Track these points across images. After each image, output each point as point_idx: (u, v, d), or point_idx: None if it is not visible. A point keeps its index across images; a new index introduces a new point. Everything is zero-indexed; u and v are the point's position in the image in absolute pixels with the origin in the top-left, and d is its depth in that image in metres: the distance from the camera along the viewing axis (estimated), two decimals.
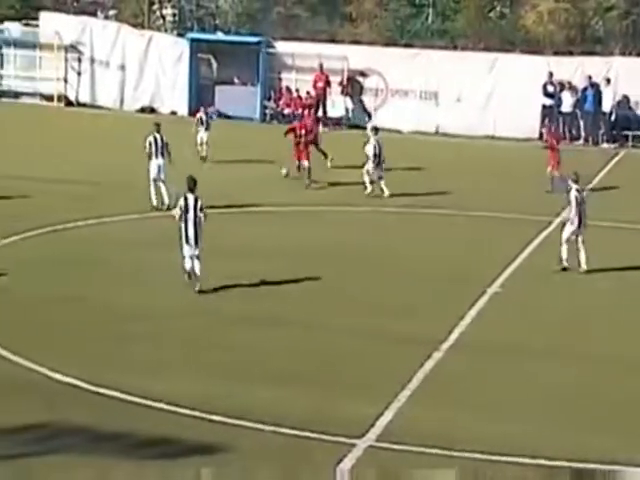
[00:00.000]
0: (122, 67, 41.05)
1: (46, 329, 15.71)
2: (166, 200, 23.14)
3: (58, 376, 13.68)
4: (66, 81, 41.26)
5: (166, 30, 49.49)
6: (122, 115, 39.98)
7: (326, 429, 12.09)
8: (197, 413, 12.57)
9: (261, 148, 32.14)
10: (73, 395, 13.23)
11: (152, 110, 40.13)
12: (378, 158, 26.59)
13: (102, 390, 13.24)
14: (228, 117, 39.20)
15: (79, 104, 41.28)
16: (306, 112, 33.65)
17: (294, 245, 21.11)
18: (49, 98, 40.99)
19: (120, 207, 23.49)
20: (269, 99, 40.03)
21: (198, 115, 30.60)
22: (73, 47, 41.12)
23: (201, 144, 29.82)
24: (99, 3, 51.78)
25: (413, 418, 12.70)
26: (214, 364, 14.43)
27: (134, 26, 43.85)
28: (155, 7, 49.17)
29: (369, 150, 26.69)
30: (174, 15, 52.46)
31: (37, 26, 41.97)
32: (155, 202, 23.51)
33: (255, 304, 17.23)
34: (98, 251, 19.97)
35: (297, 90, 39.67)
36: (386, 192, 26.27)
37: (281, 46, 40.90)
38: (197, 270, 17.69)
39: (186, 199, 17.77)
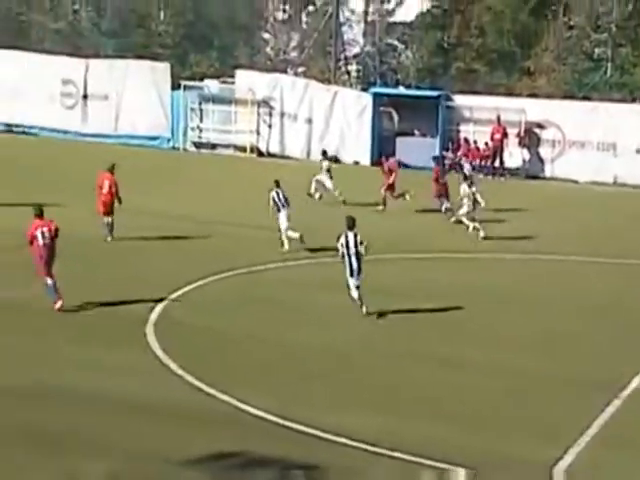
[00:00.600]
0: (309, 120, 43.39)
1: (236, 364, 17.07)
2: (286, 246, 25.36)
3: (248, 408, 14.81)
4: (258, 133, 43.85)
5: (351, 85, 51.72)
6: (309, 165, 42.20)
7: (506, 470, 12.73)
8: (378, 449, 13.37)
9: None
10: (262, 427, 14.27)
11: (336, 160, 42.23)
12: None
13: (289, 423, 14.24)
14: (407, 167, 41.07)
15: (269, 155, 43.72)
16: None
17: (463, 288, 22.38)
18: (243, 149, 43.59)
19: (304, 251, 25.34)
20: (447, 150, 41.60)
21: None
22: (265, 102, 43.75)
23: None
24: (289, 61, 54.58)
25: (593, 463, 13.16)
26: (388, 401, 15.40)
27: (321, 82, 45.99)
28: (341, 64, 51.56)
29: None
30: (358, 71, 54.78)
31: (233, 83, 44.80)
32: (287, 247, 25.51)
33: (423, 344, 18.48)
34: (283, 292, 21.66)
35: (475, 141, 41.19)
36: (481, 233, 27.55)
37: (460, 99, 42.50)
38: (356, 295, 19.74)
39: (347, 236, 19.89)
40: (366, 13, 55.40)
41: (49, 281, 19.75)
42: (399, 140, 42.18)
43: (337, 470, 13.03)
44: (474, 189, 28.41)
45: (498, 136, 40.58)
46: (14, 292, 20.77)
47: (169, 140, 44.97)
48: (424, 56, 52.71)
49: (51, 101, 45.85)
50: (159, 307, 20.19)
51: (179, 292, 21.35)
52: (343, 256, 19.97)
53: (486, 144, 40.73)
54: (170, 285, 21.62)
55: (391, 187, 31.55)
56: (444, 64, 52.00)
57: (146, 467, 13.19)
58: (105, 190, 26.27)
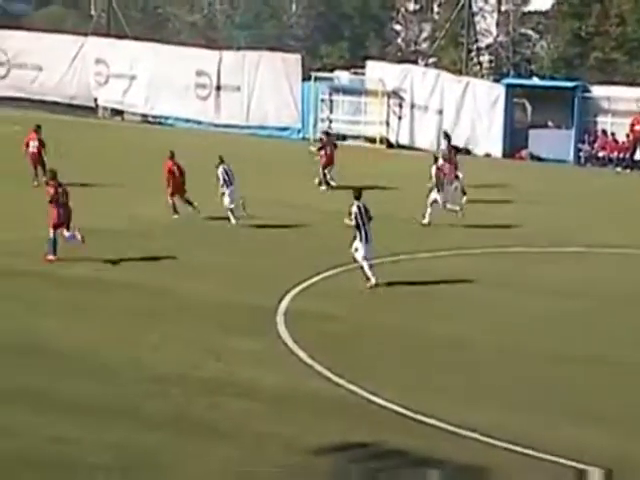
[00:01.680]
0: (440, 111, 43.12)
1: (365, 355, 17.10)
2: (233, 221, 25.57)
3: (377, 400, 14.84)
4: (388, 125, 43.83)
5: (482, 76, 51.25)
6: None
7: None
8: (512, 446, 13.25)
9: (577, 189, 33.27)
10: (392, 419, 14.29)
11: (467, 152, 41.89)
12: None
13: (419, 416, 14.23)
14: (540, 159, 40.41)
15: (399, 146, 43.70)
16: None
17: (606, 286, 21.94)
18: (372, 140, 43.68)
19: (446, 243, 25.27)
20: (583, 142, 40.76)
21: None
22: (395, 93, 43.65)
23: None
24: (420, 52, 54.36)
25: None
26: (523, 398, 15.19)
27: (452, 73, 45.76)
28: (473, 54, 51.06)
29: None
30: (490, 62, 54.21)
31: (364, 74, 44.96)
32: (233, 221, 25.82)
33: (561, 342, 18.17)
34: (413, 283, 21.62)
35: (613, 134, 40.24)
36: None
37: (597, 90, 41.59)
38: (367, 266, 20.64)
39: (358, 206, 21.00)
40: (500, 2, 54.73)
41: (51, 235, 22.24)
42: (532, 132, 41.52)
43: (470, 466, 13.01)
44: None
45: (639, 127, 39.54)
46: (163, 281, 21.23)
47: (299, 131, 45.27)
48: (560, 46, 51.77)
49: (186, 92, 46.67)
50: (289, 297, 20.35)
51: (309, 282, 21.48)
52: (357, 225, 20.94)
53: (627, 136, 39.72)
54: (300, 275, 21.78)
55: None
56: (581, 54, 50.94)
57: (276, 455, 13.34)
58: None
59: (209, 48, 48.18)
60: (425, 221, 27.23)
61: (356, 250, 21.40)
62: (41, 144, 30.39)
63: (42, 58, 49.28)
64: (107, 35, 51.05)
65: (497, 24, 54.53)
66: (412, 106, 43.58)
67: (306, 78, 44.88)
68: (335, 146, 33.77)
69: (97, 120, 47.75)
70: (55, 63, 49.01)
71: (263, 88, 45.50)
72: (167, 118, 47.54)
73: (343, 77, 45.70)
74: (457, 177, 29.83)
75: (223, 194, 26.78)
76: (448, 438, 13.76)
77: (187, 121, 46.98)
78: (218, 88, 46.60)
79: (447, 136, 32.65)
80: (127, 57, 47.99)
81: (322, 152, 32.96)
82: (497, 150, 41.98)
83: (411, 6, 56.35)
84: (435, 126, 43.09)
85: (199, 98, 46.88)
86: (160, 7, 57.96)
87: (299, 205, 29.53)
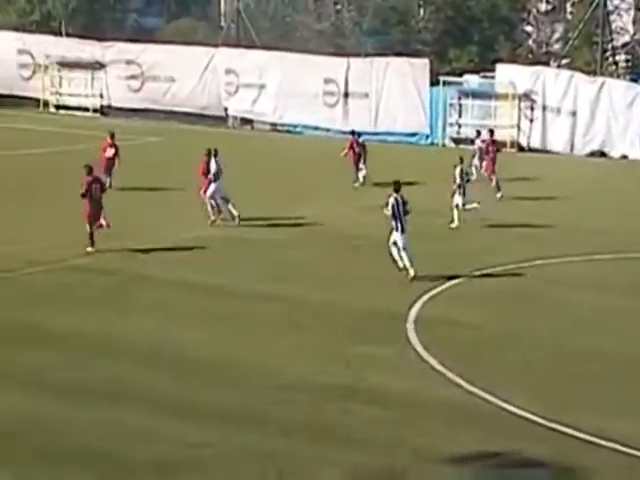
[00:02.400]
0: (573, 113, 42.18)
1: (497, 362, 16.81)
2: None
3: (511, 408, 14.56)
4: (519, 128, 43.11)
5: (618, 76, 49.94)
6: (572, 160, 41.12)
7: None
8: None
9: None
10: (526, 428, 14.01)
11: (602, 154, 40.85)
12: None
13: (553, 424, 13.91)
14: None
15: (530, 149, 42.94)
16: None
17: None
18: (503, 144, 42.67)
19: (576, 248, 24.65)
20: None
21: None
22: (526, 96, 42.89)
23: None
24: (552, 53, 53.31)
25: None
26: None
27: (586, 73, 44.75)
28: (608, 54, 49.80)
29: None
30: (627, 61, 52.78)
31: (493, 77, 44.33)
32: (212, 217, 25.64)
33: None
34: (545, 290, 21.20)
35: None
36: None
37: None
38: (406, 257, 21.33)
39: (396, 198, 21.75)
40: None
41: (88, 229, 23.35)
42: None
43: (608, 475, 12.68)
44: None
45: None
46: (297, 290, 21.23)
47: (427, 136, 44.89)
48: None
49: (314, 100, 46.78)
50: (419, 303, 20.14)
51: (439, 289, 21.22)
52: (394, 215, 21.66)
53: None
54: (432, 280, 21.57)
55: None
56: None
57: (408, 463, 13.14)
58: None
59: (337, 55, 48.23)
60: (454, 225, 26.93)
61: (394, 244, 21.81)
62: (116, 150, 31.01)
63: (174, 70, 50.12)
64: (237, 45, 51.59)
65: (634, 22, 53.06)
66: (544, 108, 42.77)
67: (434, 83, 44.48)
68: (363, 147, 33.82)
69: (227, 130, 48.29)
70: (187, 75, 49.79)
71: (391, 94, 45.28)
72: (295, 126, 47.75)
73: (472, 81, 45.17)
74: (494, 172, 31.13)
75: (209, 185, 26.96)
76: (584, 447, 13.44)
77: (315, 129, 47.08)
78: (346, 95, 46.58)
79: (479, 133, 34.28)
80: (256, 66, 48.41)
81: (350, 152, 33.50)
82: (635, 152, 40.74)
83: (543, 7, 55.32)
84: (568, 128, 42.13)
85: (327, 105, 46.94)
86: (288, 16, 58.30)
87: (428, 210, 29.18)
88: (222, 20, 67.54)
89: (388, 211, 21.92)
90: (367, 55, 49.35)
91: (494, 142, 33.26)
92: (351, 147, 33.64)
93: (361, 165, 33.54)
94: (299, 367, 16.64)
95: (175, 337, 17.96)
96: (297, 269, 22.85)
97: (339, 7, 57.42)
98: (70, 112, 51.20)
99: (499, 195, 31.27)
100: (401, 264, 21.72)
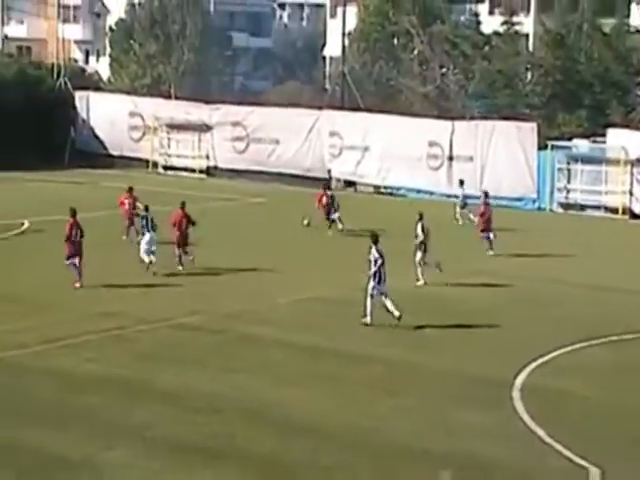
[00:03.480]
0: None
1: (608, 435, 16.34)
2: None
3: None
4: (631, 194, 42.13)
5: None
6: None
7: None
8: None
9: None
10: None
11: None
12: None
13: None
14: None
15: None
16: None
17: None
18: (614, 211, 42.12)
19: None
20: None
21: None
22: (639, 161, 41.97)
23: None
24: None
25: None
26: None
27: None
28: None
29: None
30: None
31: (604, 142, 43.58)
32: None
33: None
34: None
35: None
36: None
37: None
38: (389, 305, 22.41)
39: (378, 250, 22.74)
40: None
41: (70, 261, 25.75)
42: None
43: None
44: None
45: None
46: (397, 352, 20.96)
47: (534, 201, 44.26)
48: None
49: (418, 163, 46.66)
50: (526, 371, 19.73)
51: (547, 357, 20.71)
52: (377, 267, 22.57)
53: None
54: (538, 349, 21.13)
55: None
56: None
57: None
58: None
59: (441, 118, 48.09)
60: (419, 283, 27.09)
61: (367, 283, 22.89)
62: (134, 203, 32.08)
63: (279, 132, 50.59)
64: (341, 108, 51.91)
65: None
66: None
67: (542, 147, 43.93)
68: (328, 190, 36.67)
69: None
70: (291, 137, 50.19)
71: (497, 157, 44.88)
72: (399, 189, 47.63)
73: (582, 145, 44.44)
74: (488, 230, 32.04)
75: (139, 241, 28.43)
76: None
77: (419, 192, 46.88)
78: (450, 158, 46.34)
79: (462, 183, 37.46)
80: (360, 129, 48.56)
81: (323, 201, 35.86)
82: None
83: None
84: None
85: (431, 169, 46.75)
86: (393, 79, 58.52)
87: (545, 278, 28.73)
88: (327, 83, 68.28)
89: (374, 265, 22.74)
90: (472, 118, 49.12)
91: (488, 204, 33.73)
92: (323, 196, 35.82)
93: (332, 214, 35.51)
94: (399, 431, 16.42)
95: (280, 397, 17.99)
96: (398, 331, 22.58)
97: (444, 70, 57.42)
98: (177, 173, 52.01)
99: (491, 253, 31.64)
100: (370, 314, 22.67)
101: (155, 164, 52.87)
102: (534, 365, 20.11)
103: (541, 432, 16.32)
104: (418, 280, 27.07)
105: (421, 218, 27.40)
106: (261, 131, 51.14)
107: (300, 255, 31.00)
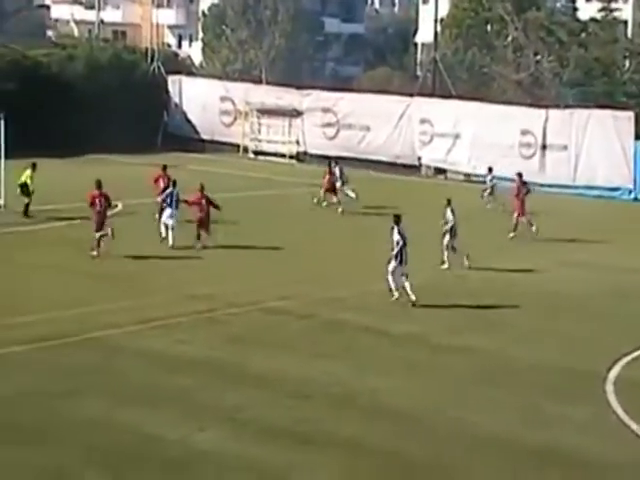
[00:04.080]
0: None
1: None
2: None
3: None
4: None
5: None
6: None
7: None
8: None
9: None
10: None
11: None
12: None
13: None
14: None
15: None
16: None
17: None
18: None
19: None
20: None
21: None
22: None
23: None
24: None
25: None
26: None
27: None
28: None
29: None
30: None
31: None
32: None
33: None
34: None
35: None
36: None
37: None
38: (408, 287, 22.87)
39: (399, 231, 23.15)
40: None
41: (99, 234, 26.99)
42: None
43: None
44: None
45: None
46: (493, 344, 20.79)
47: (630, 192, 43.44)
48: None
49: (510, 151, 46.12)
50: (620, 364, 19.45)
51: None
52: (400, 248, 22.89)
53: None
54: (632, 342, 20.82)
55: None
56: None
57: None
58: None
59: (534, 107, 47.47)
60: (445, 266, 27.17)
61: (388, 263, 23.19)
62: (168, 181, 31.54)
63: (369, 119, 50.45)
64: (432, 95, 51.57)
65: None
66: None
67: (639, 136, 43.07)
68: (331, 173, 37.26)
69: (420, 179, 48.20)
70: (381, 123, 50.01)
71: (592, 147, 44.13)
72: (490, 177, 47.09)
73: None
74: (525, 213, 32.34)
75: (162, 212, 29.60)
76: None
77: (510, 180, 46.30)
78: (543, 147, 45.69)
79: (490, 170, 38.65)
80: (451, 116, 48.19)
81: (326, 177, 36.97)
82: None
83: None
84: None
85: (523, 157, 46.14)
86: (485, 66, 57.93)
87: (631, 269, 28.23)
88: (418, 69, 67.91)
89: (396, 246, 23.09)
90: (567, 107, 48.39)
91: (524, 184, 33.91)
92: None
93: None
94: (493, 422, 16.29)
95: (368, 384, 17.96)
96: (492, 322, 22.44)
97: (539, 57, 56.63)
98: (267, 158, 52.23)
99: (534, 229, 31.92)
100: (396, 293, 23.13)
101: (245, 149, 53.18)
102: (629, 358, 19.77)
103: (635, 426, 16.08)
104: (444, 263, 27.22)
105: (449, 203, 27.72)
106: (351, 117, 51.05)
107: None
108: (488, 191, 39.08)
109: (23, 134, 38.17)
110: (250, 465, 14.34)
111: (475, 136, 46.99)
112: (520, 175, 34.73)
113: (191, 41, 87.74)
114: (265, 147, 53.36)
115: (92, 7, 76.18)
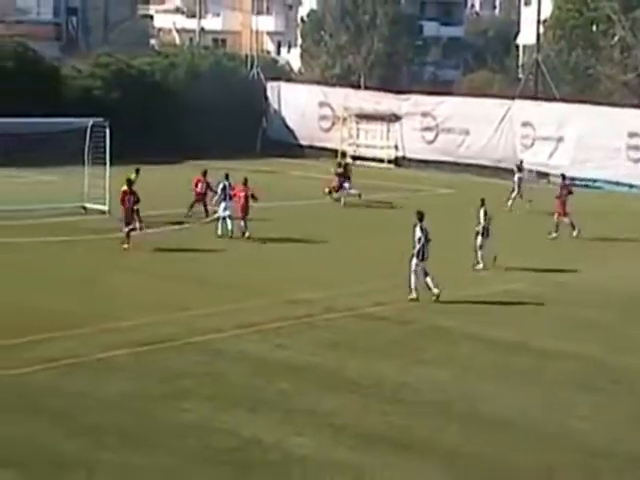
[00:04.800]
0: None
1: None
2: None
3: None
4: None
5: None
6: None
7: None
8: None
9: None
10: None
11: None
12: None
13: None
14: None
15: None
16: None
17: None
18: None
19: None
20: None
21: None
22: None
23: None
24: None
25: None
26: None
27: None
28: None
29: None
30: None
31: None
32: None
33: None
34: None
35: None
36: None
37: None
38: (430, 282, 23.20)
39: (422, 228, 23.45)
40: None
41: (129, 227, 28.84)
42: None
43: None
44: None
45: None
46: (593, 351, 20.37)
47: None
48: None
49: (616, 154, 45.13)
50: None
51: None
52: (421, 244, 23.19)
53: None
54: None
55: None
56: None
57: None
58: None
59: None
60: (479, 267, 27.04)
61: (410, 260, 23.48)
62: (208, 186, 33.24)
63: (469, 122, 49.93)
64: (534, 98, 50.76)
65: None
66: None
67: None
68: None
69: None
70: (482, 127, 49.45)
71: None
72: (595, 181, 46.16)
73: None
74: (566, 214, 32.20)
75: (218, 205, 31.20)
76: None
77: (617, 184, 45.35)
78: None
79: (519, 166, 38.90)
80: (554, 119, 47.37)
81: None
82: None
83: None
84: None
85: (631, 160, 45.13)
86: (591, 68, 56.78)
87: None
88: (520, 72, 66.96)
89: (418, 243, 23.34)
90: None
91: (566, 186, 33.80)
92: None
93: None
94: (599, 432, 15.90)
95: (468, 391, 17.68)
96: (592, 328, 21.95)
97: None
98: (366, 163, 52.05)
99: (575, 232, 31.91)
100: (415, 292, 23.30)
101: (344, 154, 53.12)
102: None
103: None
104: (478, 264, 27.05)
105: (483, 204, 27.44)
106: (451, 121, 50.64)
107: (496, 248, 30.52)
108: (516, 191, 38.34)
109: (127, 142, 38.73)
110: (347, 469, 14.22)
111: (579, 139, 46.13)
112: (564, 176, 34.79)
113: (290, 47, 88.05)
114: (363, 152, 53.21)
115: (193, 16, 77.13)
